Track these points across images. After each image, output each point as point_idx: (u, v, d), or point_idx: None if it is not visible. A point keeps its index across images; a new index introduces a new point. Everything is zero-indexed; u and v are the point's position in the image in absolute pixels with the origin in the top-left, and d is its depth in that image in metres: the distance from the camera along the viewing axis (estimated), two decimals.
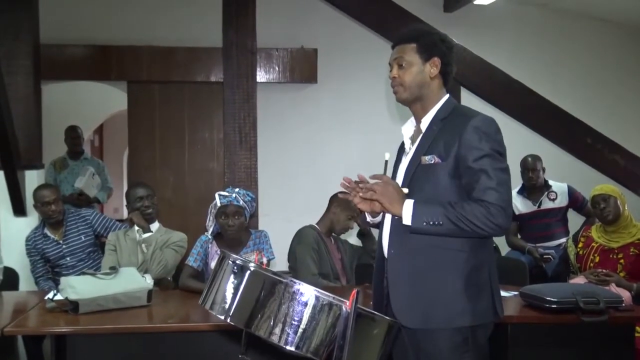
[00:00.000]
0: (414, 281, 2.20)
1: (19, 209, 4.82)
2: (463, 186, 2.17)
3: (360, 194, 2.23)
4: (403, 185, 2.27)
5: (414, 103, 2.33)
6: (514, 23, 6.63)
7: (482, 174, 2.13)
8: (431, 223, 2.11)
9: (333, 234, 4.17)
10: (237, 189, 3.80)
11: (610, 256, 3.79)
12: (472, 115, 2.22)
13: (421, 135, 2.30)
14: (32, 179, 4.90)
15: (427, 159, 2.22)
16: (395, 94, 2.33)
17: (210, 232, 3.76)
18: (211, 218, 3.74)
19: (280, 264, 4.19)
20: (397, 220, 2.21)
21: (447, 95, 2.34)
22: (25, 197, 4.78)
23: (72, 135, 6.08)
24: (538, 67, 6.45)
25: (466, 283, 2.17)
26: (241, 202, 3.66)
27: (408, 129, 2.41)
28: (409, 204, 2.13)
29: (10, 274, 4.09)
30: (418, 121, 2.35)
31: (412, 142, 2.36)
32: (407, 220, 2.13)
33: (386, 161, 2.15)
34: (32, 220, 4.80)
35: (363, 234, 4.24)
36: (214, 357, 3.13)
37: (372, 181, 2.23)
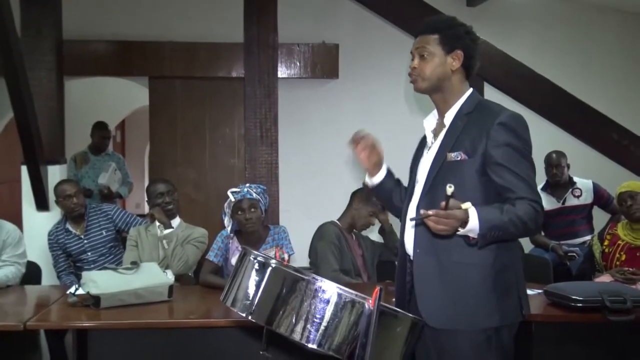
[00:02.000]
0: (441, 281, 2.16)
1: (41, 204, 4.85)
2: (491, 183, 2.13)
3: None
4: (427, 182, 2.23)
5: (434, 94, 2.30)
6: (538, 17, 6.54)
7: (513, 172, 2.10)
8: (494, 236, 2.03)
9: (354, 230, 4.14)
10: (247, 184, 3.80)
11: (637, 254, 3.73)
12: (499, 111, 2.18)
13: (445, 130, 2.26)
14: (55, 174, 4.92)
15: (453, 155, 2.17)
16: (413, 83, 2.29)
17: (229, 230, 3.76)
18: (228, 217, 3.74)
19: (301, 259, 4.17)
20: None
21: (471, 89, 2.30)
22: (47, 192, 4.81)
23: (104, 134, 6.15)
24: (562, 61, 6.36)
25: (494, 283, 2.13)
26: (254, 195, 3.66)
27: (430, 122, 2.37)
28: (474, 220, 1.99)
29: (33, 268, 4.12)
30: (441, 115, 2.32)
31: (435, 136, 2.32)
32: (471, 233, 2.02)
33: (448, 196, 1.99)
34: (54, 214, 4.83)
35: (384, 231, 4.21)
36: (235, 353, 3.12)
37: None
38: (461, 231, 2.00)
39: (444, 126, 2.28)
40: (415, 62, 2.26)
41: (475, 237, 2.01)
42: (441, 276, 2.16)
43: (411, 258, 2.28)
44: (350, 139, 2.44)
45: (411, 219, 2.19)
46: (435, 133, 2.33)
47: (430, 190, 2.21)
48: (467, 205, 1.97)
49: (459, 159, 2.16)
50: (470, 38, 2.26)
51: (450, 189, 1.90)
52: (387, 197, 2.53)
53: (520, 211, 2.05)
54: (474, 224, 1.98)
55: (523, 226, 2.05)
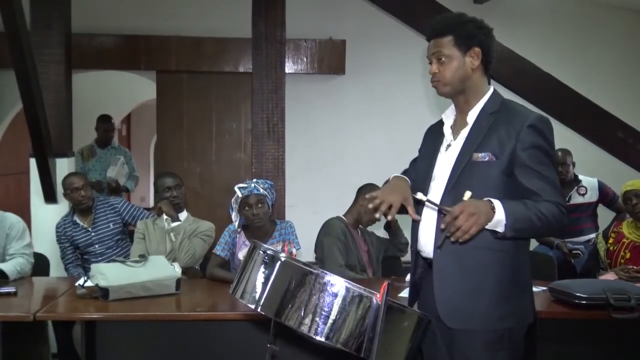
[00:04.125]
0: (460, 282, 2.15)
1: (50, 196, 4.89)
2: (517, 184, 2.11)
3: (457, 232, 1.97)
4: (450, 181, 2.19)
5: (456, 96, 2.27)
6: (546, 15, 6.54)
7: (540, 174, 2.10)
8: (520, 229, 2.04)
9: (360, 225, 4.16)
10: (254, 179, 3.82)
11: None
12: (528, 113, 2.17)
13: (468, 129, 2.23)
14: (63, 167, 4.95)
15: (481, 156, 2.14)
16: (436, 88, 2.26)
17: (236, 225, 3.78)
18: (235, 212, 3.76)
19: (306, 254, 4.20)
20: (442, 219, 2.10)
21: (492, 88, 2.28)
22: (56, 185, 4.84)
23: (107, 127, 6.17)
24: (569, 59, 6.36)
25: (512, 285, 2.14)
26: (261, 190, 3.68)
27: (449, 117, 2.34)
28: (500, 210, 2.01)
29: (41, 260, 4.15)
30: (462, 113, 2.28)
31: (453, 133, 2.29)
32: (498, 226, 2.02)
33: (426, 201, 2.06)
34: (62, 207, 4.86)
35: (390, 227, 4.23)
36: (241, 346, 3.15)
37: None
38: (489, 225, 2.00)
39: (466, 124, 2.24)
40: (435, 67, 2.23)
41: (503, 229, 2.02)
42: (460, 277, 2.15)
43: (423, 255, 2.28)
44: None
45: (438, 247, 2.16)
46: (455, 131, 2.29)
47: (452, 190, 2.17)
48: (467, 194, 1.99)
49: (486, 159, 2.14)
50: (484, 32, 2.23)
51: (467, 195, 1.96)
52: None
53: (543, 208, 2.05)
54: (500, 214, 2.00)
55: (548, 223, 2.06)
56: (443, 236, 2.04)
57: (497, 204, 2.01)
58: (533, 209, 2.05)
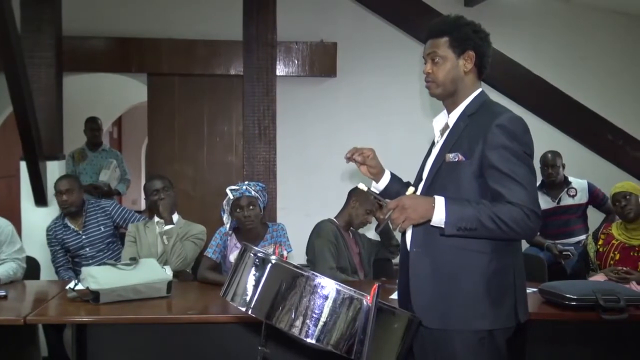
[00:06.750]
0: (435, 281, 2.16)
1: (40, 199, 4.87)
2: (488, 186, 2.11)
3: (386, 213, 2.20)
4: (427, 181, 2.25)
5: (447, 98, 2.29)
6: (536, 18, 6.57)
7: (509, 175, 2.07)
8: (465, 228, 2.03)
9: (351, 228, 4.17)
10: (246, 182, 3.82)
11: (631, 254, 3.76)
12: (499, 113, 2.15)
13: (448, 130, 2.26)
14: (54, 170, 4.94)
15: (451, 156, 2.17)
16: (428, 89, 2.28)
17: (228, 227, 3.78)
18: (226, 214, 3.76)
19: (298, 257, 4.20)
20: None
21: (479, 90, 2.28)
22: (46, 188, 4.83)
23: (93, 126, 6.14)
24: (559, 62, 6.39)
25: (488, 286, 2.12)
26: (253, 193, 3.68)
27: (439, 121, 2.36)
28: (440, 207, 2.04)
29: (32, 264, 4.13)
30: (449, 115, 2.31)
31: (441, 136, 2.31)
32: (440, 223, 2.05)
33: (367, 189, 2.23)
34: (53, 210, 4.84)
35: (381, 229, 4.24)
36: (233, 348, 3.15)
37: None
38: (433, 222, 2.06)
39: (448, 126, 2.27)
40: (429, 67, 2.25)
41: (443, 227, 2.04)
42: (434, 276, 2.17)
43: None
44: (345, 157, 2.49)
45: (376, 231, 2.31)
46: (442, 133, 2.31)
47: (429, 191, 2.20)
48: (410, 190, 2.13)
49: (456, 160, 2.16)
50: (479, 37, 2.25)
51: (410, 190, 2.15)
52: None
53: (500, 211, 2.03)
54: (439, 212, 2.04)
55: (506, 226, 2.02)
56: (382, 224, 2.28)
57: (438, 201, 2.06)
58: (486, 210, 2.03)
